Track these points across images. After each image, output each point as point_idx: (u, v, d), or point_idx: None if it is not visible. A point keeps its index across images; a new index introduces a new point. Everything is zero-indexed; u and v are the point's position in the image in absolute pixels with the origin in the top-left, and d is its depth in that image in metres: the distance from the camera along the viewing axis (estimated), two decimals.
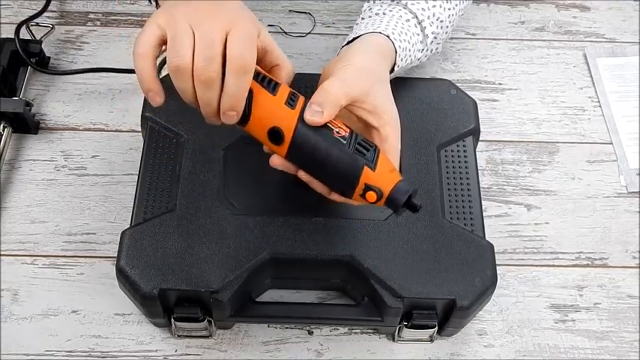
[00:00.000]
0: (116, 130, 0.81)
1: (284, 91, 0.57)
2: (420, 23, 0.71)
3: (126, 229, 0.65)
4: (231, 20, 0.53)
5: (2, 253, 0.72)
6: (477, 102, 0.74)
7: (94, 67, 0.83)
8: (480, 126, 0.73)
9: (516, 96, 0.87)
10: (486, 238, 0.66)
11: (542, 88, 0.87)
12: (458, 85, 0.75)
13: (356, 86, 0.59)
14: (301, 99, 0.57)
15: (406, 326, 0.65)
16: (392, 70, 0.67)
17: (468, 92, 0.75)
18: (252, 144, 0.59)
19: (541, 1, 0.96)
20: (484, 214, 0.68)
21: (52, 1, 0.88)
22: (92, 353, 0.68)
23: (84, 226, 0.74)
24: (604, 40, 0.92)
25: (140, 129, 0.75)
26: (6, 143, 0.77)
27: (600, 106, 0.86)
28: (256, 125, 0.56)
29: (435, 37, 0.74)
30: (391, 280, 0.62)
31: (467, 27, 0.92)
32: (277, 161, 0.58)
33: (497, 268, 0.65)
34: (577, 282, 0.74)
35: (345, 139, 0.56)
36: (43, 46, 0.84)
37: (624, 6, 0.96)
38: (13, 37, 0.83)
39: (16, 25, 0.83)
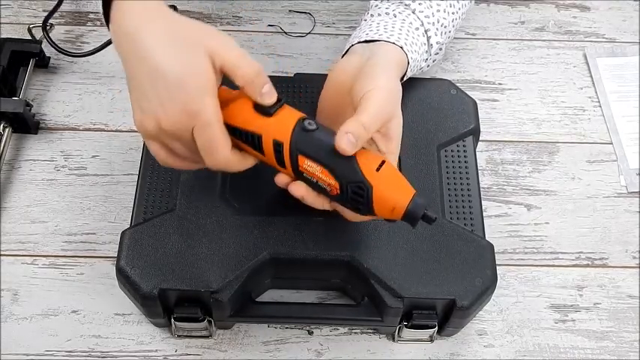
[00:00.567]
0: (116, 130, 0.81)
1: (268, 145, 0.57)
2: (426, 32, 0.71)
3: (126, 229, 0.65)
4: (189, 110, 0.53)
5: (2, 253, 0.72)
6: (477, 102, 0.74)
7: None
8: (480, 126, 0.73)
9: (516, 96, 0.87)
10: (486, 238, 0.66)
11: (542, 88, 0.87)
12: (458, 85, 0.75)
13: (385, 116, 0.58)
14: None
15: (406, 326, 0.65)
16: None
17: (468, 92, 0.75)
18: None
19: (541, 1, 0.96)
20: (484, 214, 0.68)
21: (52, 1, 0.87)
22: (92, 353, 0.68)
23: (84, 226, 0.74)
24: (604, 40, 0.92)
25: None
26: (6, 143, 0.77)
27: (600, 106, 0.86)
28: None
29: (440, 49, 0.74)
30: (391, 280, 0.62)
31: (467, 27, 0.92)
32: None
33: (498, 268, 0.65)
34: (577, 282, 0.74)
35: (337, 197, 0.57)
36: (42, 46, 0.84)
37: (624, 6, 0.96)
38: (12, 37, 0.83)
39: (22, 26, 0.84)
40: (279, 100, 0.57)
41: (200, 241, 0.64)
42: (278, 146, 0.57)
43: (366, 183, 0.55)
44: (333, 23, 0.92)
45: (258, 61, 0.90)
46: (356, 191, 0.56)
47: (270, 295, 0.70)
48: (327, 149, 0.55)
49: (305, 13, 0.92)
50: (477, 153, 0.73)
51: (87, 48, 0.86)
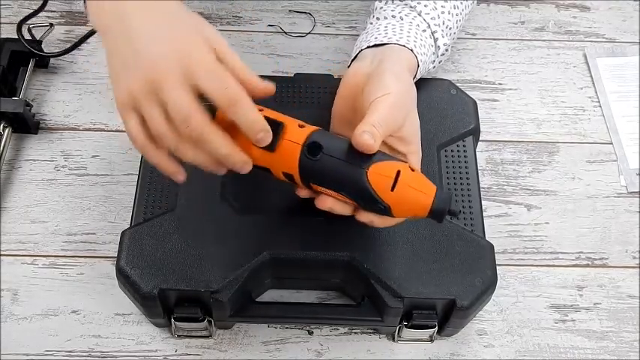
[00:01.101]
0: (116, 130, 0.81)
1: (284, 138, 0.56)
2: (433, 34, 0.71)
3: (126, 229, 0.65)
4: (182, 63, 0.51)
5: (2, 253, 0.72)
6: (477, 102, 0.74)
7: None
8: (480, 126, 0.73)
9: (516, 96, 0.87)
10: (486, 238, 0.66)
11: (542, 88, 0.87)
12: (458, 85, 0.75)
13: (396, 121, 0.58)
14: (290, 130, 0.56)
15: (406, 326, 0.65)
16: None
17: (468, 92, 0.75)
18: None
19: (541, 1, 0.96)
20: (484, 214, 0.68)
21: (52, 1, 0.88)
22: (92, 353, 0.68)
23: (84, 226, 0.74)
24: (604, 40, 0.92)
25: None
26: (6, 143, 0.77)
27: (600, 106, 0.86)
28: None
29: (447, 50, 0.74)
30: (391, 280, 0.62)
31: (467, 27, 0.92)
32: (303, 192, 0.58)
33: (498, 268, 0.64)
34: (577, 282, 0.74)
35: None
36: (42, 46, 0.84)
37: (624, 6, 0.96)
38: (12, 37, 0.83)
39: (16, 25, 0.83)
40: (276, 127, 0.55)
41: (200, 241, 0.64)
42: (289, 177, 0.57)
43: (383, 203, 0.55)
44: (333, 23, 0.92)
45: (258, 61, 0.90)
46: (376, 210, 0.56)
47: (270, 295, 0.70)
48: (336, 176, 0.55)
49: (305, 13, 0.92)
50: (477, 153, 0.73)
51: (87, 48, 0.86)
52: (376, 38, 0.67)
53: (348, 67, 0.68)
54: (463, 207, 0.67)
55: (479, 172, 0.71)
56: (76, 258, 0.73)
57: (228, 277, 0.62)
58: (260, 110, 0.55)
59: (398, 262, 0.63)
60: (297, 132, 0.56)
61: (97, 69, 0.85)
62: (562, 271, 0.75)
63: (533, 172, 0.81)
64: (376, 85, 0.60)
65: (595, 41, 0.92)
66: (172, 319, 0.65)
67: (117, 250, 0.64)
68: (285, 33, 0.90)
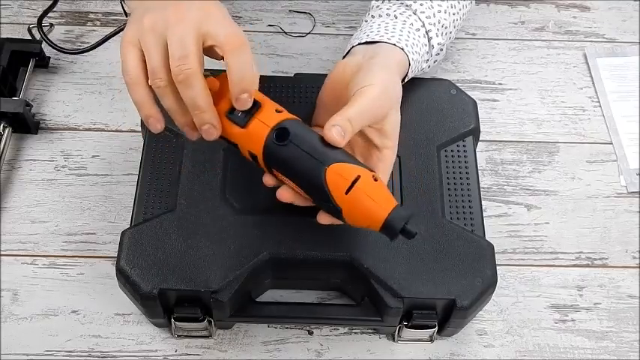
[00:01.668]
0: (116, 130, 0.81)
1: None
2: (427, 33, 0.71)
3: (126, 229, 0.65)
4: (201, 10, 0.53)
5: (2, 253, 0.72)
6: (477, 102, 0.74)
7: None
8: (480, 126, 0.73)
9: (516, 96, 0.87)
10: (486, 238, 0.66)
11: (542, 88, 0.87)
12: (458, 85, 0.75)
13: (376, 113, 0.59)
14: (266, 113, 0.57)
15: (406, 326, 0.65)
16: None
17: (468, 92, 0.75)
18: None
19: (541, 1, 0.96)
20: (484, 214, 0.68)
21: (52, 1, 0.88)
22: (92, 353, 0.68)
23: (84, 226, 0.74)
24: (604, 40, 0.92)
25: (140, 129, 0.75)
26: (6, 143, 0.77)
27: (600, 106, 0.86)
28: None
29: (441, 49, 0.74)
30: (391, 280, 0.62)
31: (467, 27, 0.92)
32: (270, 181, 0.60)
33: (498, 268, 0.65)
34: (577, 282, 0.74)
35: None
36: (42, 46, 0.83)
37: (624, 6, 0.96)
38: (12, 37, 0.83)
39: (22, 26, 0.84)
40: (253, 105, 0.56)
41: (200, 241, 0.64)
42: (254, 157, 0.57)
43: (335, 204, 0.55)
44: (333, 23, 0.92)
45: (258, 61, 0.90)
46: (329, 210, 0.57)
47: (270, 295, 0.70)
48: (296, 166, 0.55)
49: (305, 13, 0.92)
50: (477, 153, 0.73)
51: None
52: (368, 35, 0.67)
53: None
54: (463, 207, 0.67)
55: (479, 172, 0.71)
56: (76, 258, 0.73)
57: (228, 277, 0.62)
58: None
59: (398, 262, 0.63)
60: (272, 115, 0.56)
61: (97, 69, 0.85)
62: (562, 271, 0.75)
63: (533, 172, 0.81)
64: (362, 77, 0.60)
65: (595, 41, 0.92)
66: (172, 319, 0.65)
67: (117, 250, 0.64)
68: (285, 33, 0.90)
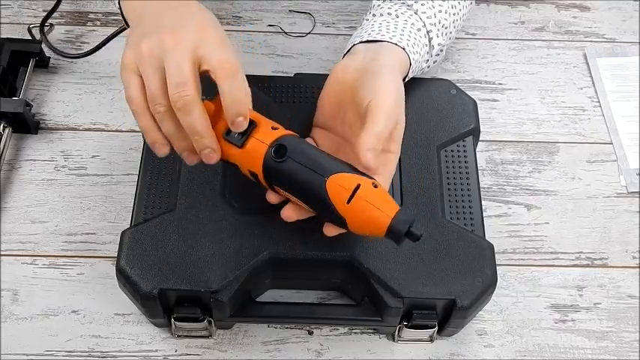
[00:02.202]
0: (116, 130, 0.81)
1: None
2: (427, 33, 0.71)
3: (126, 229, 0.65)
4: (198, 34, 0.54)
5: (2, 253, 0.72)
6: (477, 102, 0.74)
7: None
8: (480, 126, 0.73)
9: (516, 96, 0.87)
10: (486, 238, 0.66)
11: (542, 88, 0.87)
12: (458, 85, 0.75)
13: (394, 121, 0.59)
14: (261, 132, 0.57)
15: (406, 326, 0.65)
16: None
17: (468, 92, 0.75)
18: None
19: (541, 1, 0.96)
20: (484, 214, 0.68)
21: (52, 1, 0.87)
22: (92, 353, 0.68)
23: (84, 226, 0.74)
24: (604, 40, 0.92)
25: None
26: (6, 143, 0.77)
27: (600, 106, 0.86)
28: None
29: (442, 50, 0.74)
30: (391, 280, 0.62)
31: (467, 27, 0.92)
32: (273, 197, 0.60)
33: (498, 268, 0.64)
34: (577, 282, 0.74)
35: None
36: (42, 46, 0.84)
37: (624, 6, 0.96)
38: (12, 37, 0.84)
39: (22, 26, 0.84)
40: (249, 125, 0.56)
41: (200, 241, 0.64)
42: (254, 176, 0.58)
43: (338, 214, 0.56)
44: (333, 23, 0.92)
45: (258, 61, 0.90)
46: (333, 220, 0.57)
47: (270, 295, 0.70)
48: (297, 180, 0.56)
49: (305, 13, 0.92)
50: (477, 153, 0.73)
51: (87, 48, 0.86)
52: (369, 34, 0.67)
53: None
54: (463, 207, 0.67)
55: (479, 172, 0.71)
56: (76, 258, 0.73)
57: (228, 277, 0.62)
58: None
59: (398, 262, 0.63)
60: (268, 133, 0.57)
61: (97, 69, 0.85)
62: (562, 271, 0.75)
63: (533, 172, 0.81)
64: (372, 83, 0.60)
65: (595, 41, 0.92)
66: (172, 319, 0.65)
67: (117, 250, 0.64)
68: (285, 33, 0.90)
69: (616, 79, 0.88)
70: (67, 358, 0.67)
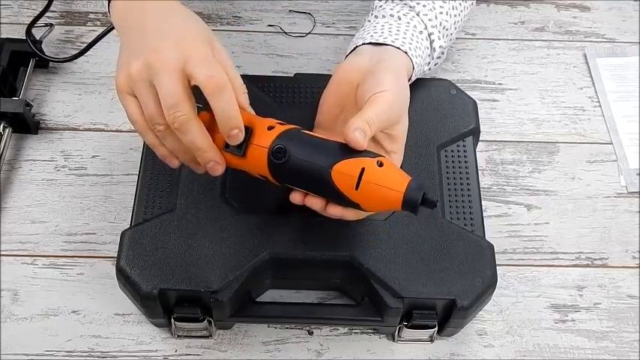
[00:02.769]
0: (116, 130, 0.81)
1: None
2: (429, 36, 0.71)
3: (126, 229, 0.65)
4: (181, 52, 0.54)
5: (2, 253, 0.72)
6: (477, 102, 0.74)
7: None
8: (480, 126, 0.73)
9: (516, 96, 0.87)
10: (486, 238, 0.66)
11: (542, 88, 0.87)
12: (458, 85, 0.75)
13: (391, 117, 0.60)
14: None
15: (406, 326, 0.65)
16: None
17: (468, 92, 0.75)
18: None
19: (541, 1, 0.96)
20: (484, 214, 0.68)
21: (53, 1, 0.88)
22: (92, 353, 0.68)
23: (84, 226, 0.74)
24: (604, 40, 0.92)
25: None
26: (6, 143, 0.77)
27: (600, 106, 0.86)
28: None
29: (443, 52, 0.74)
30: (391, 280, 0.62)
31: (467, 27, 0.92)
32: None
33: (498, 268, 0.65)
34: (577, 282, 0.74)
35: None
36: (42, 46, 0.84)
37: (624, 6, 0.96)
38: (12, 37, 0.83)
39: (22, 26, 0.83)
40: (245, 132, 0.56)
41: (200, 241, 0.64)
42: (265, 178, 0.59)
43: (351, 201, 0.56)
44: (333, 23, 0.92)
45: (258, 61, 0.90)
46: (347, 205, 0.57)
47: (270, 295, 0.70)
48: (303, 177, 0.57)
49: (305, 13, 0.92)
50: (477, 153, 0.73)
51: None
52: (372, 36, 0.67)
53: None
54: (463, 207, 0.67)
55: (479, 172, 0.71)
56: (76, 258, 0.73)
57: (228, 277, 0.62)
58: None
59: (398, 262, 0.63)
60: (265, 135, 0.57)
61: (97, 69, 0.85)
62: (562, 271, 0.75)
63: (533, 172, 0.81)
64: (375, 82, 0.61)
65: (595, 41, 0.92)
66: (172, 319, 0.65)
67: (117, 250, 0.64)
68: (285, 33, 0.90)
69: (616, 79, 0.88)
70: (67, 358, 0.67)
